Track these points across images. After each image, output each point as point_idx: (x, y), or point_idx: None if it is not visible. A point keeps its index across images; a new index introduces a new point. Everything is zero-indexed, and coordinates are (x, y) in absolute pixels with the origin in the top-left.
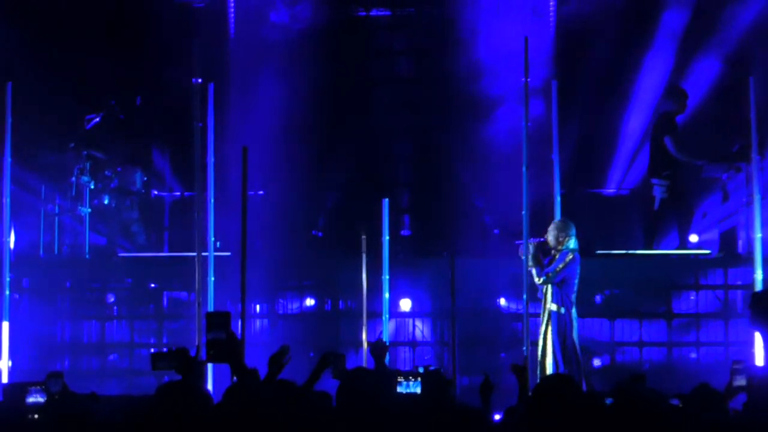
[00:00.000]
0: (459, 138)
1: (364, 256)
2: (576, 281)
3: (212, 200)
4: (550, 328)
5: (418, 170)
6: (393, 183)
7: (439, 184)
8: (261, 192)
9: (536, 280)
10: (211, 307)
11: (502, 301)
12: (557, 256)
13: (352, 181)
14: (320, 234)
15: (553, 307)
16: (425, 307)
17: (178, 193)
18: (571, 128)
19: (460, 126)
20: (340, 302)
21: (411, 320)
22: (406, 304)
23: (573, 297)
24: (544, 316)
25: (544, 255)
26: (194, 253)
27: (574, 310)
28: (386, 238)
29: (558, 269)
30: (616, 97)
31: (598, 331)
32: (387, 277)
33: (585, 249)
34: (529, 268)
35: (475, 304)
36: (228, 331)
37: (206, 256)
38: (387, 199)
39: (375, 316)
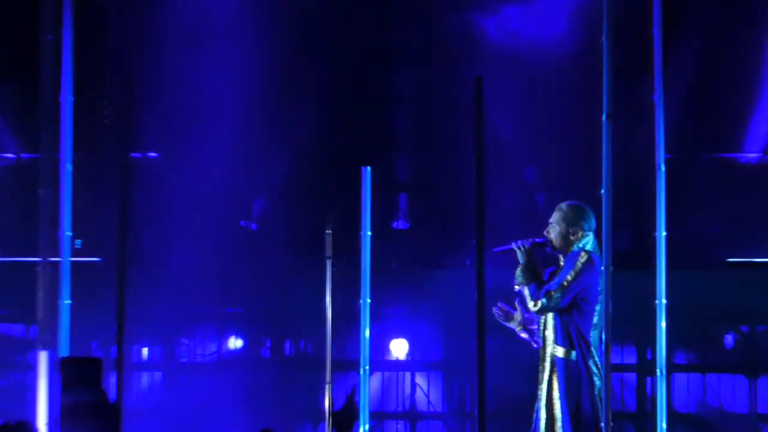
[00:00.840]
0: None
1: (328, 264)
2: (596, 305)
3: (69, 168)
4: (556, 385)
5: (425, 126)
6: (381, 144)
7: (457, 144)
8: (153, 154)
9: (530, 304)
10: (66, 351)
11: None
12: (563, 263)
13: (315, 143)
14: (253, 226)
15: (559, 351)
16: (432, 352)
17: (10, 155)
18: (683, 57)
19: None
20: (288, 344)
21: (408, 375)
22: (400, 348)
23: (592, 332)
24: (543, 365)
25: (543, 264)
26: (37, 258)
27: (593, 354)
28: (367, 233)
29: (566, 283)
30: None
31: (730, 395)
32: (368, 300)
33: (707, 254)
34: (519, 287)
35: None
36: (97, 390)
37: (58, 263)
38: (369, 168)
39: (347, 366)
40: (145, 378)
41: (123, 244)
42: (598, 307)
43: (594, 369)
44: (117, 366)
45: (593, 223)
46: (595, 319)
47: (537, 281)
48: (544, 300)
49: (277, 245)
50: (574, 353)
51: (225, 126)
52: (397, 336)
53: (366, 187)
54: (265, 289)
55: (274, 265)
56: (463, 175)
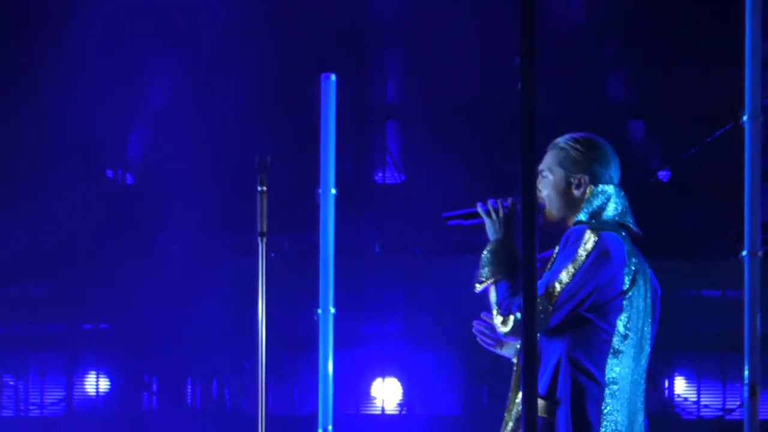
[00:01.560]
0: None
1: (261, 246)
2: (618, 319)
3: None
4: None
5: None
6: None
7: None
8: None
9: (496, 320)
10: None
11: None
12: (557, 251)
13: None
14: (129, 180)
15: (539, 405)
16: (444, 401)
17: None
18: None
19: None
20: (190, 386)
21: None
22: (388, 394)
23: (613, 367)
24: (507, 425)
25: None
26: None
27: (615, 407)
28: (330, 190)
29: (558, 287)
30: None
31: None
32: (331, 310)
33: None
34: (481, 286)
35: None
36: None
37: None
38: (333, 77)
39: (295, 426)
40: None
41: None
42: (622, 323)
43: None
44: None
45: (614, 169)
46: (620, 345)
47: (510, 277)
48: (518, 314)
49: (171, 210)
50: (562, 409)
51: None
52: (384, 373)
53: (328, 101)
54: (150, 287)
55: (166, 247)
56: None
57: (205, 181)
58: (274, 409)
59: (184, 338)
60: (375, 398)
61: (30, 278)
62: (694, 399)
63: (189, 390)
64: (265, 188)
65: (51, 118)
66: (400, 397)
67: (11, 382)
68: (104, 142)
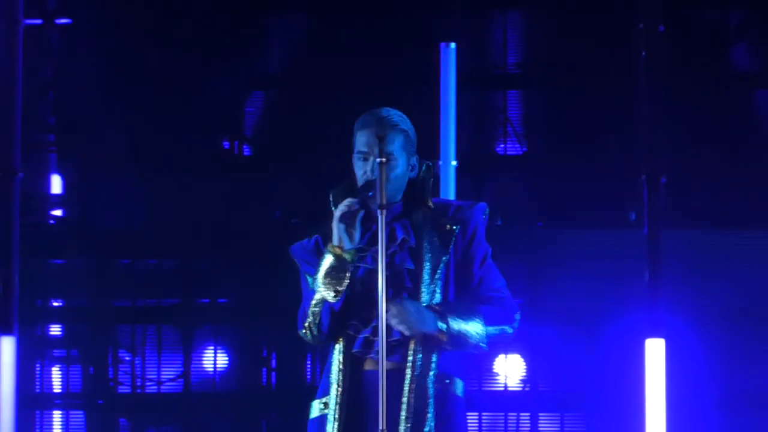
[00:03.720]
0: None
1: (381, 219)
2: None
3: None
4: None
5: None
6: None
7: None
8: None
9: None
10: None
11: None
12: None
13: None
14: (246, 152)
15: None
16: (570, 379)
17: None
18: None
19: None
20: (310, 369)
21: (527, 418)
22: (510, 369)
23: None
24: None
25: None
26: None
27: None
28: (451, 162)
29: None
30: None
31: None
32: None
33: None
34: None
35: None
36: None
37: None
38: (453, 45)
39: None
40: (57, 421)
41: None
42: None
43: None
44: None
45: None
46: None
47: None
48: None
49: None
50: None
51: None
52: (507, 349)
53: (448, 69)
54: (269, 262)
55: (284, 221)
56: None
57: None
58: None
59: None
60: (498, 374)
61: (147, 252)
62: None
63: (308, 366)
64: (384, 159)
65: (173, 88)
66: (524, 373)
67: (127, 358)
68: (221, 112)
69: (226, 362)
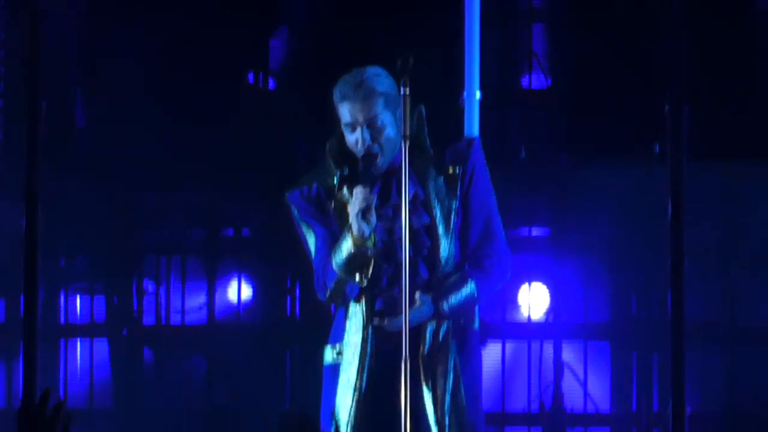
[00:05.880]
0: None
1: (405, 149)
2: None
3: None
4: None
5: None
6: None
7: None
8: None
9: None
10: None
11: None
12: (434, 197)
13: None
14: (271, 86)
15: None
16: (592, 310)
17: None
18: None
19: None
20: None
21: (550, 347)
22: (534, 301)
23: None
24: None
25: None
26: None
27: None
28: (475, 94)
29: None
30: None
31: None
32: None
33: None
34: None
35: None
36: None
37: None
38: None
39: None
40: (79, 352)
41: None
42: None
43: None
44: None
45: None
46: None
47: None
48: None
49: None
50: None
51: None
52: (531, 279)
53: (472, 1)
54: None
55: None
56: None
57: None
58: None
59: None
60: (521, 305)
61: (170, 185)
62: None
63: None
64: (407, 90)
65: (191, 23)
66: (547, 304)
67: (150, 289)
68: (244, 45)
69: (251, 293)
